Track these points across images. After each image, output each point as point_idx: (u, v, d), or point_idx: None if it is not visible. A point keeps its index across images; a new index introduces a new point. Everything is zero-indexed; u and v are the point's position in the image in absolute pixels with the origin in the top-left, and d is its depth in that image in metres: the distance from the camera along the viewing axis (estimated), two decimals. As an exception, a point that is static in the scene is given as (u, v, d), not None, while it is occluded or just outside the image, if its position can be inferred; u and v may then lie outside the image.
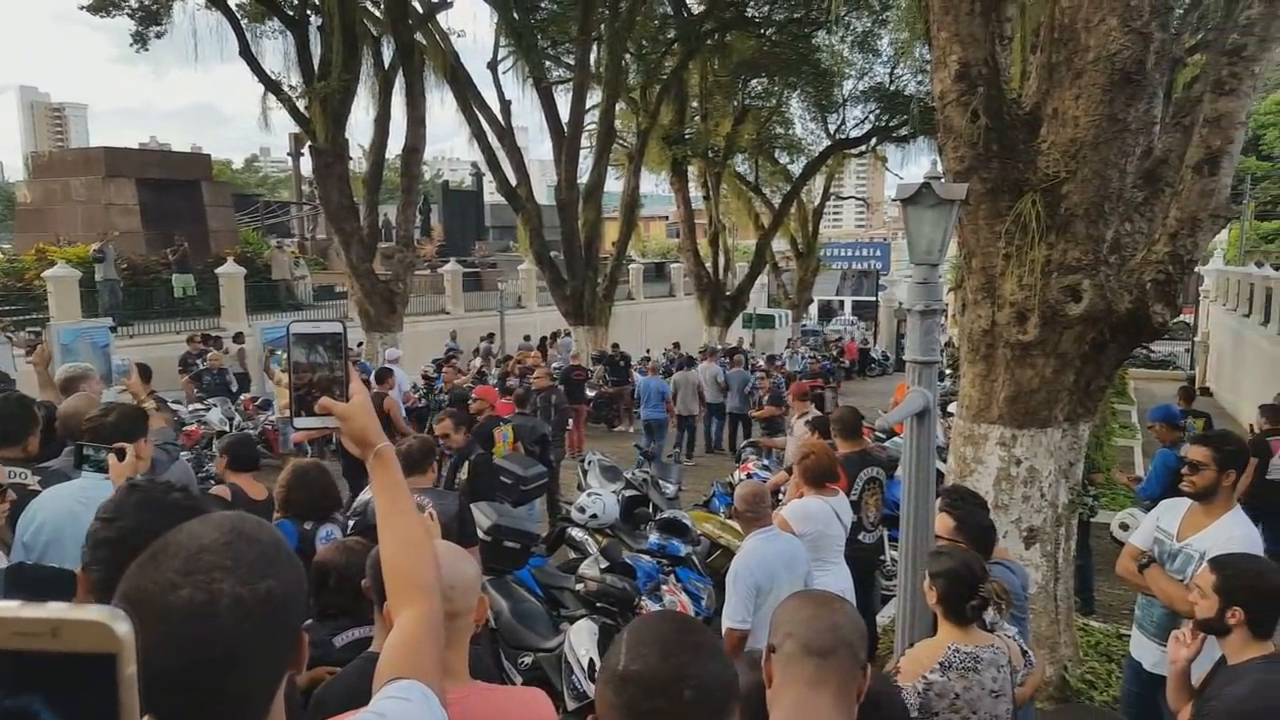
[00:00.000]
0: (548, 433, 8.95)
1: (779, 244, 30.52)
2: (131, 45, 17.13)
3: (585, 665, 4.93)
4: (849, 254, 44.98)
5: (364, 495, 5.05)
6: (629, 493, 8.22)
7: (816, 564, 4.60)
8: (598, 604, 5.53)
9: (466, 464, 6.37)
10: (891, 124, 25.59)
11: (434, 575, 1.58)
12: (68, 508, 3.09)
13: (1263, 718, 2.63)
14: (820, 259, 33.24)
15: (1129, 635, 5.57)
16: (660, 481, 8.63)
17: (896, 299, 35.57)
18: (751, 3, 21.93)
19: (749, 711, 1.78)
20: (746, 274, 27.41)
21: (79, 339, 12.58)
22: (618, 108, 20.71)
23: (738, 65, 23.06)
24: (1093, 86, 4.68)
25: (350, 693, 2.05)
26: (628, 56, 20.81)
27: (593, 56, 19.66)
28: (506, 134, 19.33)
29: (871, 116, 26.10)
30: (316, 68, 16.54)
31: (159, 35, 17.05)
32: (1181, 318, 6.44)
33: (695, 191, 26.86)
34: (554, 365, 16.36)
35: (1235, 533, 3.65)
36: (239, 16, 16.56)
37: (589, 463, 8.99)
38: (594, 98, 20.50)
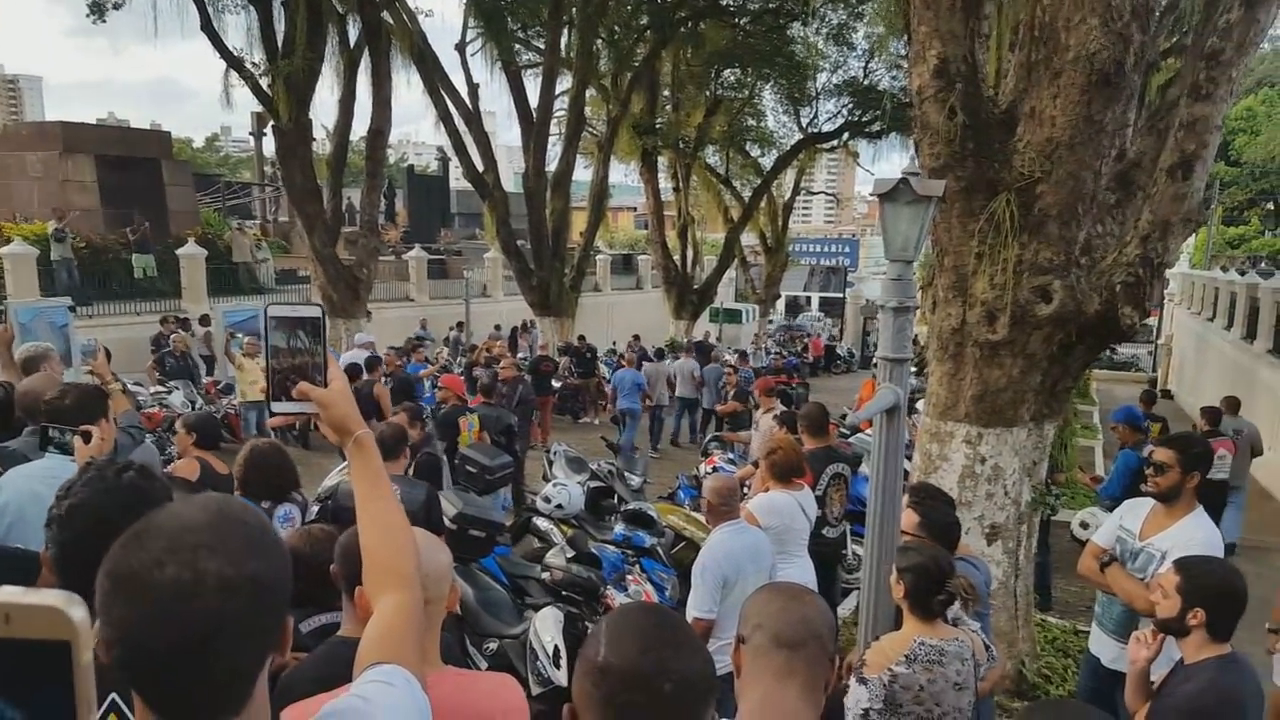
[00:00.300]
0: (514, 423, 8.90)
1: (748, 238, 30.59)
2: (88, 17, 16.63)
3: (550, 652, 4.96)
4: (818, 250, 45.32)
5: (329, 480, 4.99)
6: (594, 484, 8.21)
7: (781, 557, 4.63)
8: (563, 593, 5.54)
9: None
10: (864, 119, 25.68)
11: (414, 562, 1.57)
12: (31, 488, 3.04)
13: (1213, 713, 2.67)
14: (789, 254, 33.36)
15: (1086, 631, 5.65)
16: (625, 473, 8.63)
17: (864, 296, 35.85)
18: (726, -9, 21.92)
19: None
20: (715, 267, 27.41)
21: (37, 318, 12.32)
22: (588, 94, 20.56)
23: (711, 55, 22.99)
24: (1071, 87, 4.69)
25: (317, 678, 2.02)
26: (599, 42, 20.65)
27: (563, 41, 19.47)
28: (474, 118, 19.10)
29: (844, 111, 26.19)
30: (280, 45, 16.17)
31: (117, 7, 16.55)
32: (1146, 320, 6.54)
33: (665, 183, 26.80)
34: (520, 356, 16.26)
35: (1197, 534, 3.68)
36: (200, -11, 16.17)
37: (555, 453, 8.97)
38: (564, 83, 20.35)
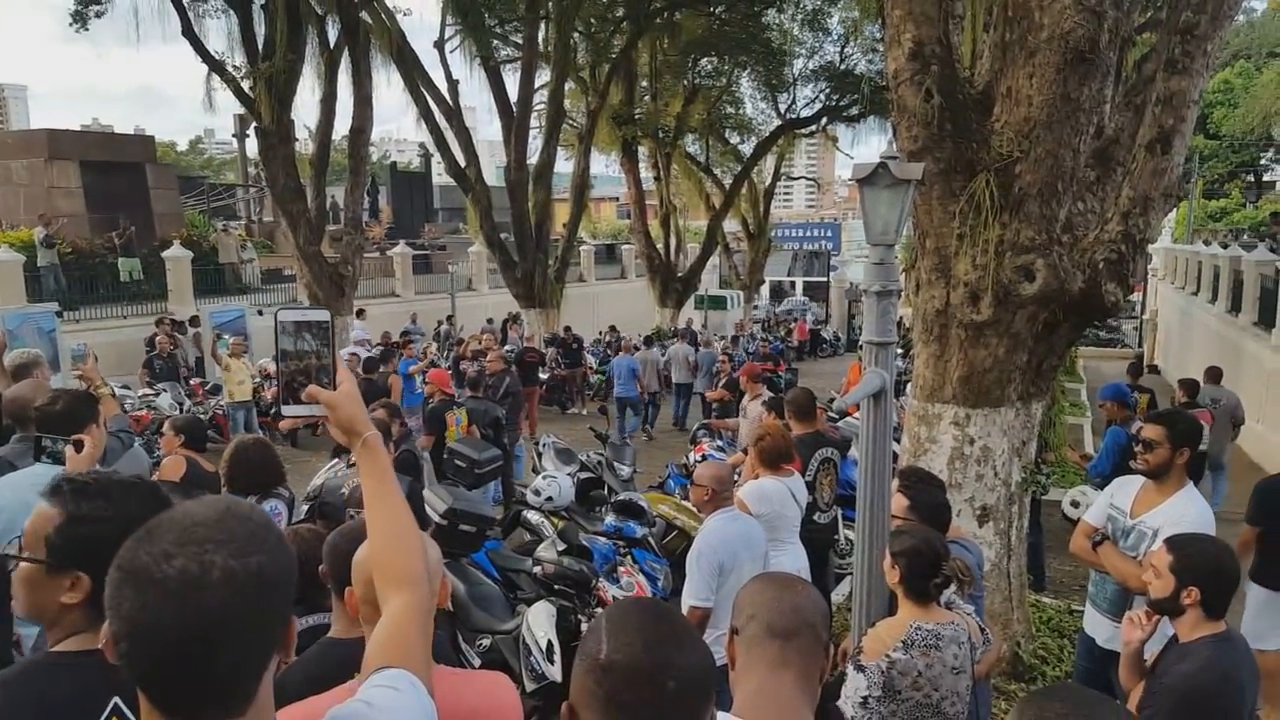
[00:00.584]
0: (501, 416, 8.87)
1: (730, 225, 30.60)
2: (71, 25, 16.61)
3: (543, 647, 4.93)
4: (800, 234, 45.16)
5: (317, 479, 4.96)
6: (584, 475, 8.18)
7: (773, 544, 4.62)
8: (555, 586, 5.51)
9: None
10: (842, 103, 25.73)
11: (421, 564, 1.57)
12: (22, 497, 2.99)
13: (1211, 694, 2.66)
14: (771, 240, 33.37)
15: (1080, 611, 5.66)
16: (615, 464, 8.60)
17: (848, 279, 35.89)
18: (700, -20, 21.84)
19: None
20: (698, 255, 27.43)
21: (24, 324, 12.42)
22: (567, 87, 20.56)
23: (687, 44, 22.95)
24: (1046, 65, 4.68)
25: (307, 679, 2.01)
26: (576, 35, 20.61)
27: (541, 35, 19.41)
28: (454, 114, 19.08)
29: (822, 96, 26.27)
30: (261, 47, 16.25)
31: (99, 14, 16.56)
32: (1130, 296, 6.60)
33: (646, 172, 26.79)
34: (507, 348, 16.25)
35: (1188, 510, 3.68)
36: (181, -5, 16.11)
37: (544, 445, 8.93)
38: (543, 77, 20.32)
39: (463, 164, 19.39)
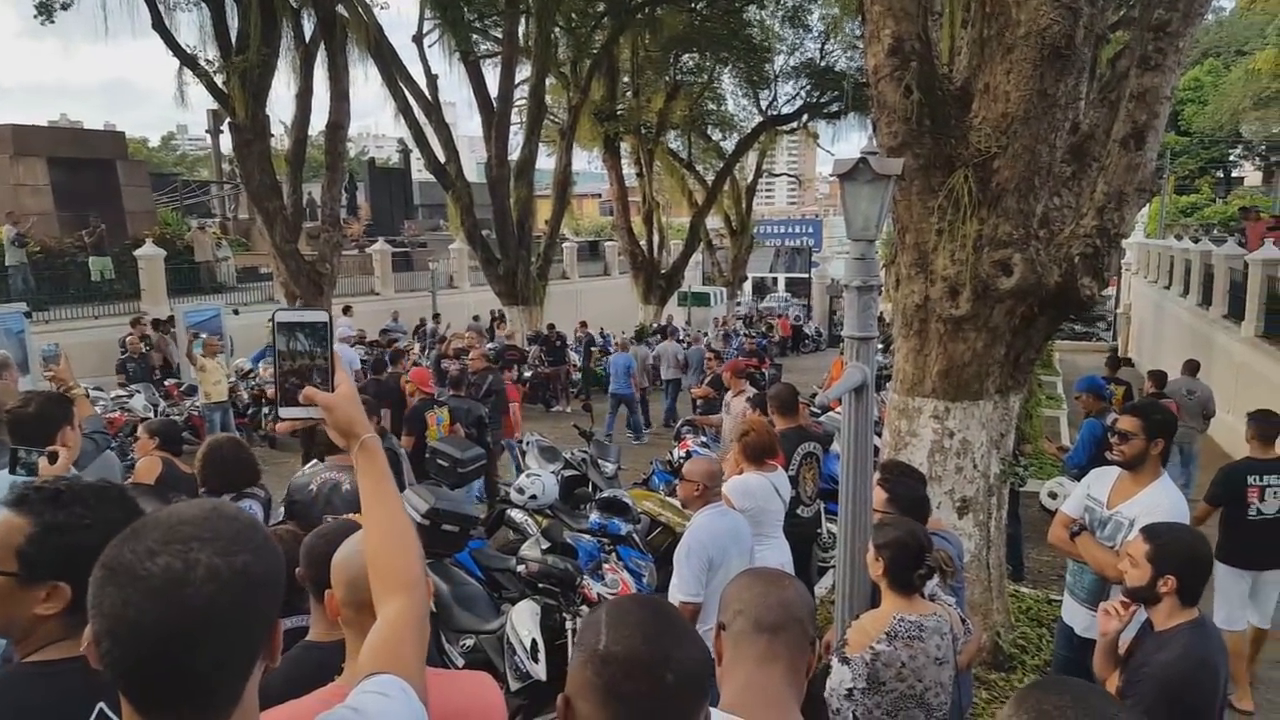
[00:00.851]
0: (484, 414, 8.84)
1: (713, 221, 30.65)
2: (36, 18, 16.27)
3: (527, 646, 4.92)
4: (782, 231, 45.30)
5: (297, 478, 4.94)
6: (568, 473, 8.17)
7: (757, 539, 4.64)
8: (539, 585, 5.49)
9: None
10: (822, 100, 25.81)
11: (418, 568, 1.56)
12: None
13: (1191, 681, 2.71)
14: (754, 236, 33.45)
15: (1058, 601, 5.73)
16: (599, 461, 8.60)
17: (829, 275, 36.00)
18: (681, -24, 21.84)
19: None
20: (681, 252, 27.42)
21: None
22: (548, 83, 20.49)
23: (668, 40, 22.93)
24: (1023, 62, 4.72)
25: (287, 682, 1.99)
26: (557, 30, 20.51)
27: (521, 29, 19.31)
28: (434, 109, 18.94)
29: (803, 93, 26.33)
30: (234, 41, 15.91)
31: (65, 7, 16.17)
32: (1105, 290, 6.70)
33: (628, 169, 26.75)
34: (490, 346, 16.24)
35: (1164, 500, 3.74)
36: (150, -14, 15.85)
37: (527, 444, 8.91)
38: (523, 72, 20.19)
39: (443, 160, 19.26)
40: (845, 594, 3.85)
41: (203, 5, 16.20)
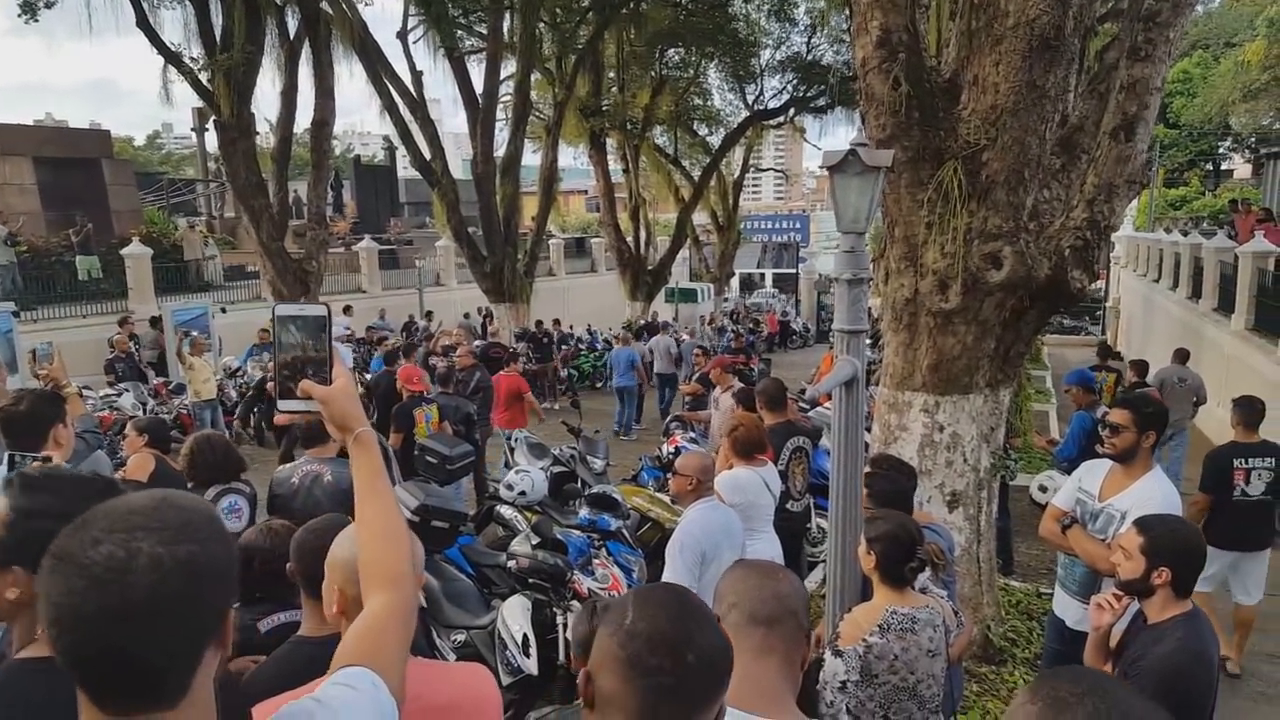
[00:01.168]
0: (473, 411, 8.81)
1: (699, 217, 30.57)
2: (20, 16, 16.13)
3: (519, 641, 4.93)
4: (769, 226, 45.29)
5: (280, 472, 4.94)
6: (557, 469, 8.16)
7: (747, 533, 4.64)
8: (530, 580, 5.49)
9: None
10: (809, 94, 25.77)
11: (405, 564, 1.57)
12: None
13: (1187, 673, 2.70)
14: (741, 232, 33.41)
15: (1049, 594, 5.76)
16: (588, 457, 8.58)
17: (817, 271, 36.04)
18: (666, -29, 21.77)
19: None
20: (668, 248, 27.35)
21: None
22: (533, 79, 20.39)
23: (654, 35, 22.81)
24: (1012, 53, 4.70)
25: (279, 677, 2.00)
26: (542, 25, 20.41)
27: (506, 25, 19.24)
28: (419, 106, 18.85)
29: (789, 87, 26.28)
30: (219, 38, 15.88)
31: (49, 5, 16.08)
32: (1095, 283, 6.77)
33: (614, 164, 26.66)
34: (477, 343, 16.20)
35: (1156, 493, 3.73)
36: (135, -16, 15.75)
37: (516, 440, 8.89)
38: (508, 68, 20.12)
39: (428, 157, 19.18)
40: (836, 588, 3.84)
41: (186, 2, 16.15)
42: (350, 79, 20.43)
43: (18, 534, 1.78)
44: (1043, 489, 8.70)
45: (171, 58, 16.10)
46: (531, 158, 23.36)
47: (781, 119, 27.79)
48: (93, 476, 1.96)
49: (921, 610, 2.99)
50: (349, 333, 16.85)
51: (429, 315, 20.99)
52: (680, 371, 15.71)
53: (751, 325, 27.59)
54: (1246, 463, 5.66)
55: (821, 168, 3.92)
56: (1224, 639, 5.22)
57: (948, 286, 5.06)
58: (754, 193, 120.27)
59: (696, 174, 27.85)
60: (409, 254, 27.24)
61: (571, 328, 22.68)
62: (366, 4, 17.69)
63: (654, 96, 24.86)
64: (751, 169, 34.15)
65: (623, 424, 14.94)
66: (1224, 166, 43.62)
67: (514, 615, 5.06)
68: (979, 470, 5.39)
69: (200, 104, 19.27)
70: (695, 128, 28.45)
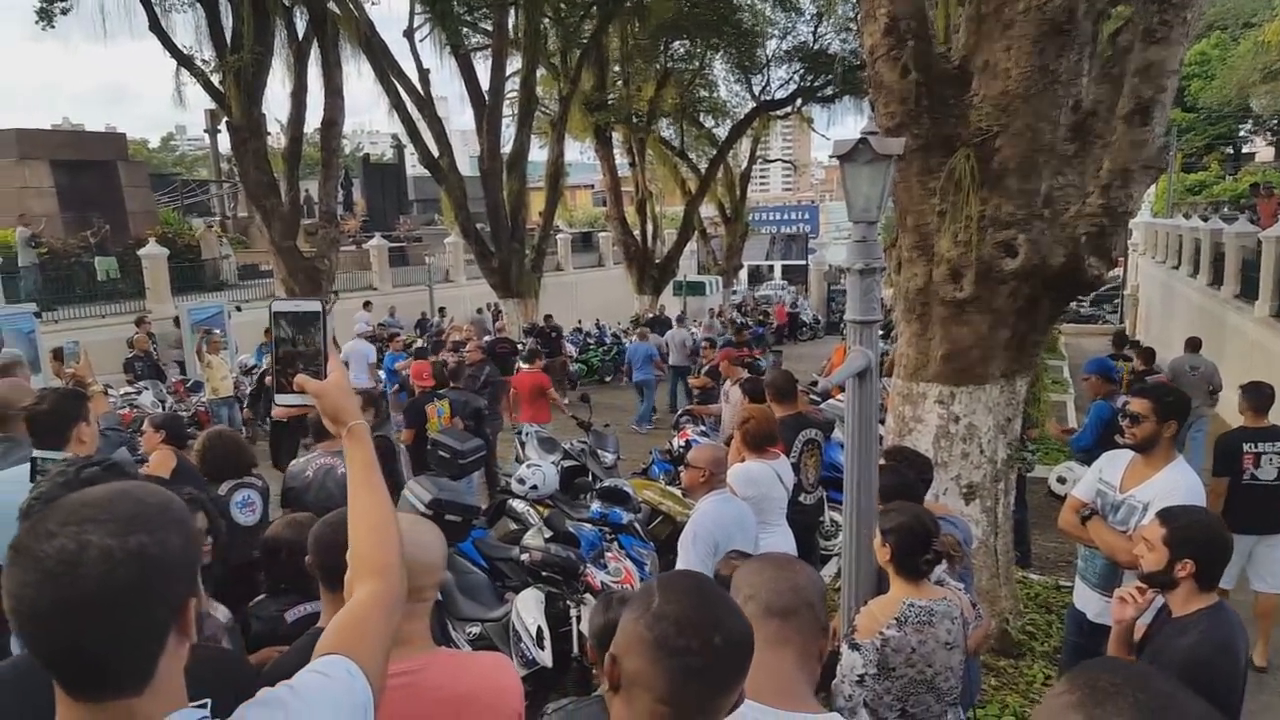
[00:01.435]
0: (482, 406, 8.81)
1: (707, 210, 30.47)
2: (37, 23, 16.28)
3: (533, 633, 4.95)
4: (778, 218, 45.22)
5: (294, 465, 4.99)
6: (568, 463, 8.14)
7: (760, 526, 4.62)
8: (543, 573, 5.51)
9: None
10: (816, 84, 25.60)
11: (393, 556, 1.59)
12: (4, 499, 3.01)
13: (1213, 666, 2.65)
14: (749, 224, 33.27)
15: (1067, 587, 5.71)
16: (598, 451, 8.56)
17: (826, 262, 35.85)
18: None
19: None
20: (675, 241, 27.27)
21: (3, 325, 12.33)
22: (538, 74, 20.35)
23: (658, 27, 22.68)
24: (1023, 38, 4.63)
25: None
26: (546, 20, 20.40)
27: (510, 21, 19.23)
28: (426, 104, 18.89)
29: (796, 77, 26.10)
30: (229, 40, 16.02)
31: (64, 11, 16.20)
32: (1112, 270, 6.74)
33: (621, 158, 26.51)
34: (485, 339, 16.20)
35: (1179, 484, 3.67)
36: (146, -11, 15.85)
37: (526, 434, 8.88)
38: (514, 64, 20.17)
39: (436, 154, 19.21)
40: (851, 581, 3.80)
41: (197, 6, 16.29)
42: (359, 78, 20.66)
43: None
44: (1061, 480, 8.54)
45: (183, 60, 16.28)
46: (538, 153, 23.38)
47: (788, 109, 27.63)
48: (118, 463, 1.99)
49: (939, 603, 2.97)
50: (370, 329, 16.84)
51: (442, 311, 21.02)
52: (696, 363, 15.74)
53: (761, 317, 27.45)
54: (1256, 447, 5.68)
55: (832, 157, 3.87)
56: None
57: (961, 275, 5.00)
58: (762, 184, 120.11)
59: (703, 166, 27.73)
60: (418, 251, 27.33)
61: (580, 322, 22.63)
62: (373, 3, 17.79)
63: (659, 89, 24.76)
64: (759, 160, 33.94)
65: (642, 417, 14.90)
66: (1244, 150, 42.93)
67: (528, 608, 5.08)
68: (995, 462, 5.33)
69: (213, 106, 19.40)
70: (701, 120, 28.27)
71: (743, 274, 35.94)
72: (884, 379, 7.67)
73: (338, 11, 16.93)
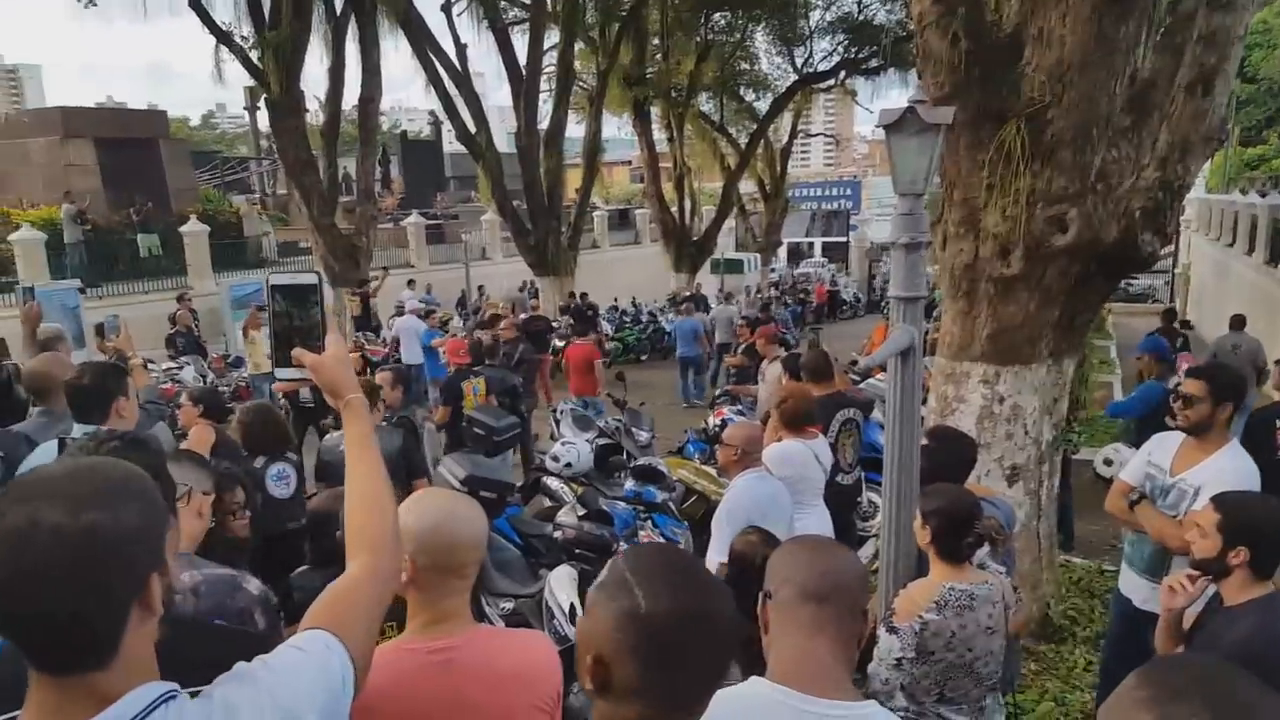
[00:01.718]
0: (517, 384, 8.82)
1: (746, 186, 30.16)
2: (79, 1, 16.50)
3: (566, 610, 4.95)
4: (818, 193, 44.66)
5: (328, 440, 5.03)
6: (602, 441, 8.13)
7: (796, 506, 4.56)
8: (576, 550, 5.54)
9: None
10: (860, 56, 25.12)
11: (386, 531, 1.60)
12: None
13: (1265, 660, 2.53)
14: (789, 200, 32.89)
15: (1111, 571, 5.57)
16: (633, 429, 8.54)
17: (869, 238, 35.36)
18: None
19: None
20: (713, 218, 27.04)
21: (48, 301, 12.51)
22: (576, 48, 20.23)
23: (698, -1, 22.46)
24: (1080, 4, 4.42)
25: None
26: (584, -7, 20.27)
27: (548, -5, 19.14)
28: (463, 79, 18.89)
29: (840, 49, 25.62)
30: (267, 17, 16.11)
31: (107, -10, 16.49)
32: (1167, 246, 6.58)
33: (659, 134, 26.29)
34: (522, 317, 16.20)
35: (1234, 468, 3.53)
36: (186, -34, 15.99)
37: (561, 412, 8.89)
38: (551, 38, 20.02)
39: (473, 130, 19.22)
40: (889, 563, 3.72)
41: (236, -19, 16.37)
42: (396, 54, 20.59)
43: None
44: (1108, 462, 8.40)
45: (222, 37, 16.47)
46: (575, 129, 23.24)
47: (831, 82, 27.17)
48: (143, 438, 1.98)
49: (980, 586, 2.90)
50: (422, 306, 16.84)
51: (480, 290, 21.10)
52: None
53: (801, 295, 27.14)
54: None
55: (878, 127, 3.75)
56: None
57: (1009, 252, 4.86)
58: (803, 159, 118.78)
59: (743, 141, 27.42)
60: (455, 228, 27.42)
61: (616, 300, 22.58)
62: (410, -22, 17.72)
63: (699, 63, 24.43)
64: (800, 135, 33.55)
65: (691, 392, 14.84)
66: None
67: (561, 585, 5.08)
68: (1040, 443, 5.19)
69: (252, 83, 19.57)
70: (741, 94, 27.94)
71: (782, 251, 35.61)
72: (926, 358, 7.55)
73: (376, -14, 16.96)
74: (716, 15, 24.43)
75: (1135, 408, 6.49)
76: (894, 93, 26.33)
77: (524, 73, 19.07)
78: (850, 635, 1.77)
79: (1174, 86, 4.49)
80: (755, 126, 27.20)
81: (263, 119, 24.59)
